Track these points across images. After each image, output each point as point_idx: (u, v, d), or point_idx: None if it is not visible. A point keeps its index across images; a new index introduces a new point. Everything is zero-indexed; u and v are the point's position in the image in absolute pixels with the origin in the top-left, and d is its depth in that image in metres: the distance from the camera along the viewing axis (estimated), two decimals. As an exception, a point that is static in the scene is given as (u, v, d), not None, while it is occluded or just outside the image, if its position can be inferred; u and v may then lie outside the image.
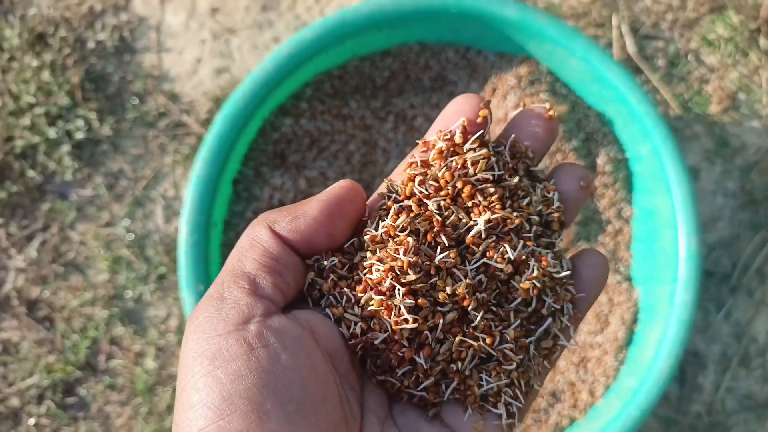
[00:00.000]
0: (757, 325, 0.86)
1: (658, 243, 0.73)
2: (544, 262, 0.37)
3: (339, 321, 0.37)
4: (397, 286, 0.35)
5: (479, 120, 0.39)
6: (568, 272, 0.38)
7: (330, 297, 0.37)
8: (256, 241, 0.35)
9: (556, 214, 0.39)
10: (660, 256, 0.73)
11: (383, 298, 0.35)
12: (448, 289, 0.36)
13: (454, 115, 0.40)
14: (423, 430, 0.37)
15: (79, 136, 0.88)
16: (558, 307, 0.38)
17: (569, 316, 0.39)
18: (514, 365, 0.37)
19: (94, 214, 0.89)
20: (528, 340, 0.38)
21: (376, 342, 0.36)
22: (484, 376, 0.37)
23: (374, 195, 0.40)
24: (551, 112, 0.40)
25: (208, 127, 0.87)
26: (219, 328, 0.32)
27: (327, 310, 0.37)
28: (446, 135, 0.39)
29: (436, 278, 0.37)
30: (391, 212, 0.38)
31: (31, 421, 0.85)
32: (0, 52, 0.91)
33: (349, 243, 0.38)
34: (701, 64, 0.89)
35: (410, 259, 0.35)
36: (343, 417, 0.33)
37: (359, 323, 0.36)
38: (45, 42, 0.91)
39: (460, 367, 0.37)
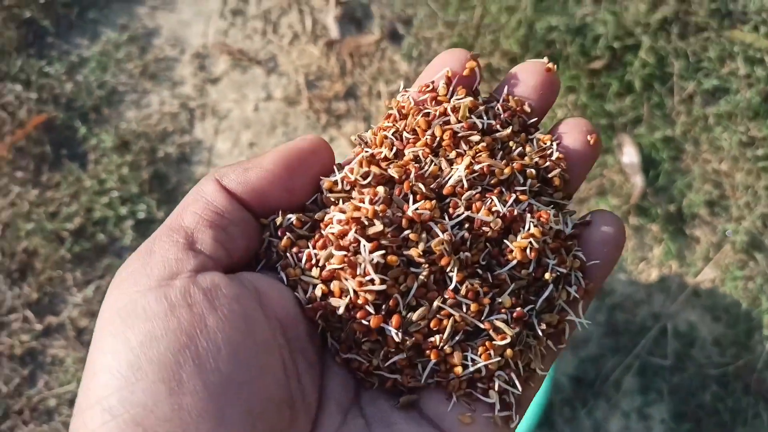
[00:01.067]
0: (611, 423, 1.16)
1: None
2: (544, 216, 0.32)
3: (295, 284, 0.31)
4: (362, 240, 0.29)
5: (466, 72, 0.35)
6: (573, 230, 0.33)
7: (287, 257, 0.32)
8: (199, 195, 0.31)
9: (555, 169, 0.33)
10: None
11: (346, 253, 0.30)
12: (421, 245, 0.30)
13: (439, 69, 0.35)
14: (396, 422, 0.31)
15: (141, 216, 1.23)
16: (564, 271, 0.32)
17: (578, 287, 0.33)
18: (508, 340, 0.31)
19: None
20: (526, 310, 0.31)
21: (337, 308, 0.30)
22: (469, 354, 0.31)
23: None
24: (550, 65, 0.35)
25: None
26: (140, 283, 0.28)
27: (281, 272, 0.32)
28: (428, 87, 0.34)
29: (409, 231, 0.30)
30: (356, 159, 0.33)
31: (61, 419, 1.12)
32: (96, 150, 1.28)
33: (311, 201, 0.33)
34: (586, 229, 1.26)
35: (377, 208, 0.30)
36: (286, 397, 0.28)
37: (318, 286, 0.31)
38: (128, 147, 1.28)
39: (438, 342, 0.30)
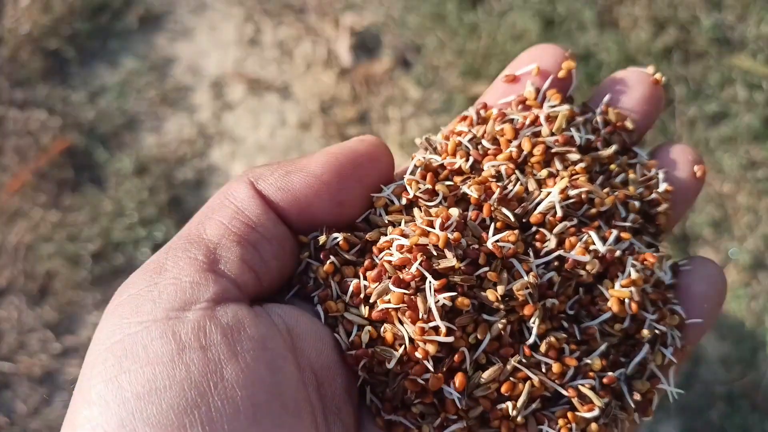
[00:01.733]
0: None
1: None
2: (649, 260, 0.26)
3: (335, 322, 0.25)
4: (429, 276, 0.23)
5: (562, 74, 0.29)
6: (673, 279, 0.27)
7: (328, 287, 0.25)
8: (228, 200, 0.25)
9: (662, 204, 0.27)
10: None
11: (405, 291, 0.23)
12: (500, 289, 0.23)
13: (527, 64, 0.29)
14: None
15: (159, 237, 1.26)
16: (663, 329, 0.27)
17: (674, 349, 0.27)
18: (596, 412, 0.25)
19: (156, 294, 1.25)
20: (617, 374, 0.26)
21: (388, 359, 0.24)
22: (545, 428, 0.25)
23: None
24: (657, 76, 0.30)
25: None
26: (144, 312, 0.23)
27: (319, 306, 0.25)
28: (512, 80, 0.28)
29: (486, 269, 0.24)
30: (419, 170, 0.26)
31: None
32: (116, 174, 1.32)
33: (362, 219, 0.26)
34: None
35: (450, 235, 0.23)
36: None
37: (366, 328, 0.24)
38: (147, 171, 1.33)
39: (510, 411, 0.24)
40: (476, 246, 0.24)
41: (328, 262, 0.25)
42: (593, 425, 0.26)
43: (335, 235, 0.26)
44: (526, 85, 0.28)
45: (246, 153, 1.35)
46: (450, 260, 0.23)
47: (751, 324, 1.22)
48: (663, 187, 0.28)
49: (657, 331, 0.26)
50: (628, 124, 0.29)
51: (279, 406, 0.21)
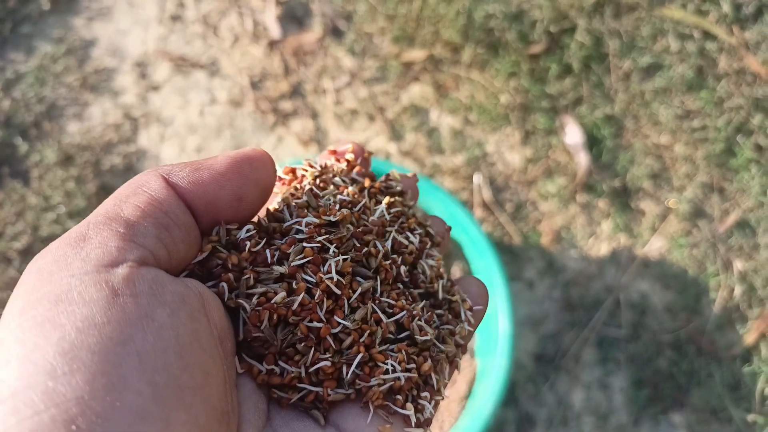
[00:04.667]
0: (573, 395, 1.19)
1: (490, 329, 1.08)
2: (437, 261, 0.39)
3: (240, 295, 0.31)
4: (330, 246, 0.33)
5: (366, 155, 0.41)
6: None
7: (236, 271, 0.31)
8: (142, 189, 0.27)
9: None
10: (491, 337, 1.07)
11: (314, 246, 0.33)
12: (373, 261, 0.34)
13: (345, 144, 0.40)
14: None
15: (90, 229, 1.20)
16: (453, 298, 0.38)
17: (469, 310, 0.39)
18: (428, 337, 0.34)
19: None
20: (434, 324, 0.36)
21: (291, 305, 0.31)
22: (390, 361, 0.32)
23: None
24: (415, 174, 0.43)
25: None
26: (73, 268, 0.24)
27: (225, 283, 0.31)
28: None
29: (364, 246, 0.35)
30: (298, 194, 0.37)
31: None
32: (39, 166, 1.25)
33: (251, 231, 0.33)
34: (537, 210, 1.29)
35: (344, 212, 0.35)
36: (226, 410, 0.26)
37: (284, 283, 0.32)
38: (72, 161, 1.26)
39: (369, 342, 0.33)
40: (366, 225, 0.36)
41: (253, 238, 0.32)
42: (426, 364, 0.34)
43: (249, 226, 0.33)
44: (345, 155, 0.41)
45: (175, 134, 1.29)
46: (343, 233, 0.34)
47: (693, 272, 1.24)
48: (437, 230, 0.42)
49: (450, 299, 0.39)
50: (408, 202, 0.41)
51: (198, 346, 0.25)
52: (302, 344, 0.31)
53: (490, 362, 1.05)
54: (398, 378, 0.32)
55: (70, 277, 0.24)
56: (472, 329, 0.37)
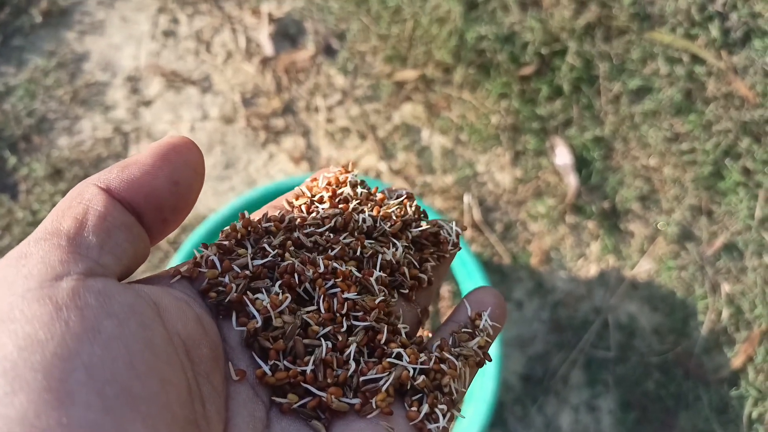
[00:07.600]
0: (561, 417, 1.19)
1: (479, 348, 1.07)
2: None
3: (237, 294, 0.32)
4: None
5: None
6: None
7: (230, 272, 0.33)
8: (76, 201, 0.28)
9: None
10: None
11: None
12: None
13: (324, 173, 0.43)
14: None
15: (78, 244, 1.20)
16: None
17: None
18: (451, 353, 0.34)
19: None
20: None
21: (308, 273, 0.33)
22: (398, 349, 0.32)
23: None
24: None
25: (176, 246, 1.20)
26: (16, 287, 0.24)
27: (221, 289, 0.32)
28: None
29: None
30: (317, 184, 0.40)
31: None
32: (28, 179, 1.24)
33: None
34: (526, 230, 1.29)
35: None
36: (191, 419, 0.25)
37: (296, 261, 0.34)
38: (61, 175, 1.25)
39: (382, 338, 0.32)
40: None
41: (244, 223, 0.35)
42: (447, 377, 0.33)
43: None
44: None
45: (166, 150, 1.29)
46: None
47: (681, 294, 1.25)
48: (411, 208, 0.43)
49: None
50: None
51: (152, 354, 0.24)
52: (319, 317, 0.32)
53: (478, 384, 1.05)
54: (405, 369, 0.31)
55: (12, 296, 0.23)
56: (490, 340, 0.37)
